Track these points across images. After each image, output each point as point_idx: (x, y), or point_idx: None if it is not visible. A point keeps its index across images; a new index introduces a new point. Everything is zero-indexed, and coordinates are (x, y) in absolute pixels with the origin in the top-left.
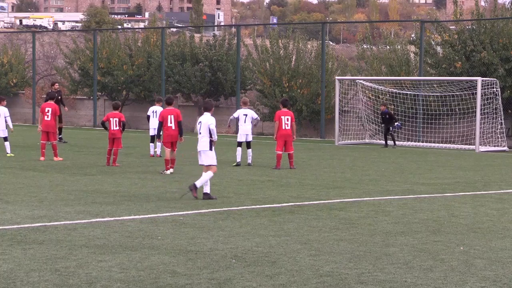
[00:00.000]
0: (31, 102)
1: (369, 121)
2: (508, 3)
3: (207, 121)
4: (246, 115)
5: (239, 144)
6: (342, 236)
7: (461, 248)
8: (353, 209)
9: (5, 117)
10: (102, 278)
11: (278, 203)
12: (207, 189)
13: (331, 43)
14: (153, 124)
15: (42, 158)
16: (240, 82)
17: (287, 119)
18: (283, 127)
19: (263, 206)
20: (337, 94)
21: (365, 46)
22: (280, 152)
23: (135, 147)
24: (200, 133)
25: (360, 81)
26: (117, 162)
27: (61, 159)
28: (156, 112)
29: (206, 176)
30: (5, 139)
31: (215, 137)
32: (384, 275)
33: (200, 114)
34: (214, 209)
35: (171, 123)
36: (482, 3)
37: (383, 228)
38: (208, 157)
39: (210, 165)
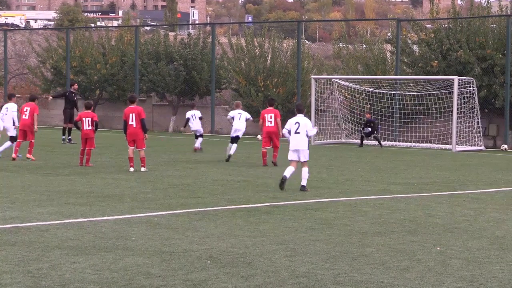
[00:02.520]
0: (2, 102)
1: (345, 121)
2: (485, 1)
3: (305, 122)
4: (240, 113)
5: (233, 140)
6: (318, 237)
7: (438, 248)
8: (329, 209)
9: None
10: (75, 280)
11: (254, 203)
12: (304, 182)
13: (307, 41)
14: (194, 126)
15: (14, 155)
16: (215, 81)
17: (270, 117)
18: (267, 124)
19: (238, 206)
20: (313, 93)
21: (341, 45)
22: (265, 149)
23: (108, 147)
24: (298, 133)
25: (336, 80)
26: (90, 162)
27: (33, 158)
28: (194, 115)
29: (307, 172)
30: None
31: (311, 134)
32: (361, 275)
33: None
34: (189, 210)
35: (132, 121)
36: (459, 2)
37: (359, 228)
38: (306, 154)
39: (307, 161)
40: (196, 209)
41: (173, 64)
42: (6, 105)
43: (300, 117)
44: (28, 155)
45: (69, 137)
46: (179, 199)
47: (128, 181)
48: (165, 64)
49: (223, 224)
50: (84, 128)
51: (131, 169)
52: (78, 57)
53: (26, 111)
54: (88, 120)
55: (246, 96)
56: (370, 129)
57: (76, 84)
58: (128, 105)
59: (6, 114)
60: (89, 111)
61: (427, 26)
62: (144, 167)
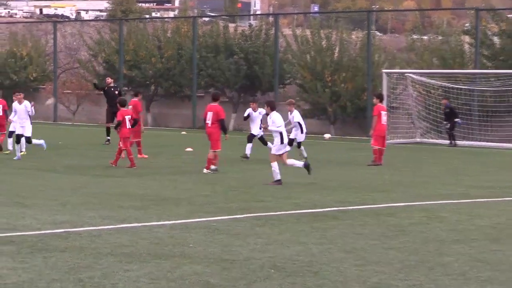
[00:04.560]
0: (52, 98)
1: (420, 118)
2: None
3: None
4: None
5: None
6: (391, 244)
7: None
8: (402, 215)
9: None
10: None
11: (321, 207)
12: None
13: (377, 33)
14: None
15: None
16: (279, 76)
17: (385, 114)
18: (383, 122)
19: (304, 211)
20: (384, 89)
21: (415, 37)
22: (377, 148)
23: (165, 147)
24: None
25: (409, 74)
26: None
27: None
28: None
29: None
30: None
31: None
32: (438, 287)
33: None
34: (251, 214)
35: (209, 120)
36: None
37: (436, 236)
38: None
39: None
40: (258, 214)
41: (233, 58)
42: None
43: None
44: (140, 155)
45: (108, 137)
46: (240, 202)
47: (185, 183)
48: (224, 58)
49: (287, 230)
50: (126, 127)
51: (212, 166)
52: (132, 51)
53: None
54: (128, 119)
55: (312, 92)
56: (457, 119)
57: (109, 78)
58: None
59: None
60: (126, 109)
61: (509, 16)
62: (208, 169)
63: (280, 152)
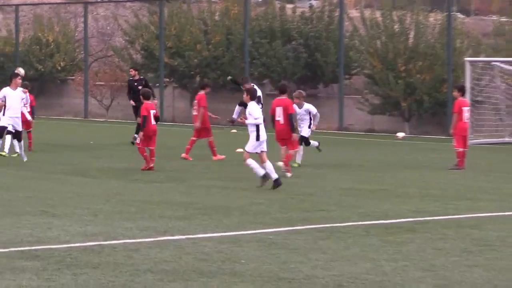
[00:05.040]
0: (82, 91)
1: (509, 115)
2: None
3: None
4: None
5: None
6: (476, 261)
7: None
8: (490, 227)
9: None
10: None
11: (394, 218)
12: None
13: (459, 15)
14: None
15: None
16: (344, 65)
17: (467, 110)
18: (464, 120)
19: (374, 222)
20: (467, 80)
21: (503, 19)
22: (462, 150)
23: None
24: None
25: (497, 63)
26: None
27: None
28: None
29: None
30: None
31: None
32: None
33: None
34: (312, 226)
35: (279, 116)
36: None
37: None
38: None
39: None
40: (321, 225)
41: (292, 44)
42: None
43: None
44: (215, 157)
45: (135, 135)
46: (299, 212)
47: (237, 189)
48: (281, 44)
49: (355, 244)
50: (152, 123)
51: (288, 174)
52: (174, 36)
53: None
54: (153, 114)
55: (383, 83)
56: None
57: (132, 70)
58: (277, 96)
59: None
60: (151, 102)
61: None
62: (287, 165)
63: (255, 151)
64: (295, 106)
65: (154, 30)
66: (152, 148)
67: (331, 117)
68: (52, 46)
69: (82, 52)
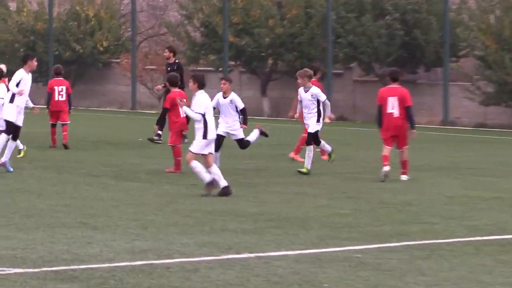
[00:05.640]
0: (129, 76)
1: None
2: None
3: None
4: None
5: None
6: None
7: None
8: None
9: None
10: None
11: (511, 233)
12: None
13: None
14: None
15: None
16: (450, 45)
17: None
18: None
19: (486, 237)
20: None
21: None
22: None
23: (286, 145)
24: None
25: None
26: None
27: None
28: None
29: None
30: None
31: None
32: None
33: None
34: (410, 242)
35: (393, 108)
36: None
37: None
38: None
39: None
40: (421, 242)
41: (385, 19)
42: None
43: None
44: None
45: (159, 132)
46: (394, 225)
47: (317, 196)
48: (372, 19)
49: (462, 265)
50: (181, 116)
51: (402, 177)
52: (240, 9)
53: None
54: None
55: (498, 67)
56: None
57: (167, 50)
58: (388, 84)
59: None
60: (179, 90)
61: None
62: (405, 174)
63: (202, 152)
64: (300, 90)
65: (216, 2)
66: (171, 145)
67: (433, 109)
68: (93, 23)
69: (129, 29)
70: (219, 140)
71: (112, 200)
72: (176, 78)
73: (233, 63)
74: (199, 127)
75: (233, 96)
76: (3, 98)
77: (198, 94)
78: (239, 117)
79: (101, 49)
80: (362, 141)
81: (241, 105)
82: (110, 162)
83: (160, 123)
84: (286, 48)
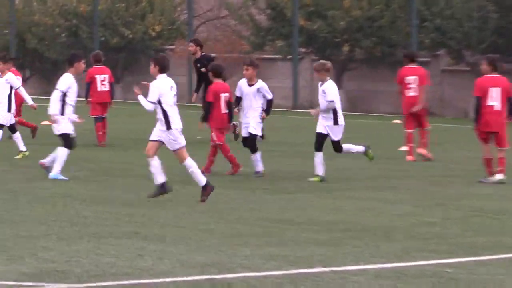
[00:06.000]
0: (186, 66)
1: None
2: None
3: None
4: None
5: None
6: None
7: None
8: None
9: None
10: None
11: None
12: None
13: None
14: None
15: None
16: None
17: None
18: None
19: None
20: None
21: None
22: None
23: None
24: None
25: None
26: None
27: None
28: None
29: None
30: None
31: None
32: None
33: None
34: (506, 255)
35: (495, 100)
36: None
37: None
38: None
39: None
40: None
41: (477, 0)
42: None
43: None
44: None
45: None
46: (488, 235)
47: (401, 203)
48: (462, 1)
49: None
50: (221, 111)
51: (498, 176)
52: None
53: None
54: (225, 98)
55: None
56: None
57: (193, 44)
58: (487, 72)
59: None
60: (222, 82)
61: None
62: (502, 172)
63: (175, 147)
64: (320, 84)
65: None
66: (217, 143)
67: None
68: (143, 4)
69: (185, 11)
70: (251, 140)
71: (166, 206)
72: (220, 67)
73: (303, 50)
74: (159, 117)
75: (260, 84)
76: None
77: (158, 78)
78: (262, 109)
79: (153, 34)
80: (452, 140)
81: (269, 95)
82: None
83: (206, 119)
84: (364, 33)
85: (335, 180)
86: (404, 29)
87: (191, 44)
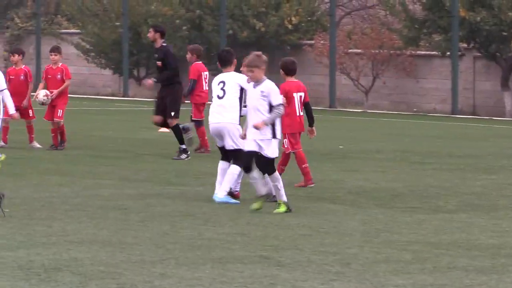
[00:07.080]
0: (327, 63)
1: None
2: None
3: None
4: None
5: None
6: None
7: None
8: None
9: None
10: None
11: None
12: None
13: None
14: None
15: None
16: None
17: None
18: None
19: None
20: None
21: None
22: None
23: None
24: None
25: None
26: None
27: None
28: None
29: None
30: None
31: None
32: None
33: None
34: None
35: None
36: None
37: None
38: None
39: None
40: None
41: None
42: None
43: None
44: None
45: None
46: None
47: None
48: None
49: None
50: (297, 114)
51: None
52: None
53: None
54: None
55: None
56: None
57: (150, 30)
58: None
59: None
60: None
61: None
62: None
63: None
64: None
65: None
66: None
67: None
68: None
69: (326, 0)
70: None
71: (303, 227)
72: (292, 63)
73: (465, 45)
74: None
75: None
76: None
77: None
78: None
79: (290, 27)
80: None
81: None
82: (297, 175)
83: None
84: None
85: (502, 196)
86: None
87: (150, 30)
